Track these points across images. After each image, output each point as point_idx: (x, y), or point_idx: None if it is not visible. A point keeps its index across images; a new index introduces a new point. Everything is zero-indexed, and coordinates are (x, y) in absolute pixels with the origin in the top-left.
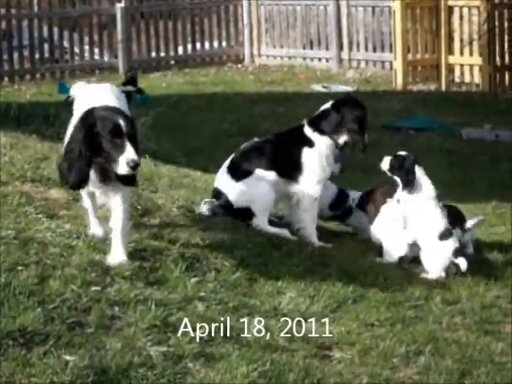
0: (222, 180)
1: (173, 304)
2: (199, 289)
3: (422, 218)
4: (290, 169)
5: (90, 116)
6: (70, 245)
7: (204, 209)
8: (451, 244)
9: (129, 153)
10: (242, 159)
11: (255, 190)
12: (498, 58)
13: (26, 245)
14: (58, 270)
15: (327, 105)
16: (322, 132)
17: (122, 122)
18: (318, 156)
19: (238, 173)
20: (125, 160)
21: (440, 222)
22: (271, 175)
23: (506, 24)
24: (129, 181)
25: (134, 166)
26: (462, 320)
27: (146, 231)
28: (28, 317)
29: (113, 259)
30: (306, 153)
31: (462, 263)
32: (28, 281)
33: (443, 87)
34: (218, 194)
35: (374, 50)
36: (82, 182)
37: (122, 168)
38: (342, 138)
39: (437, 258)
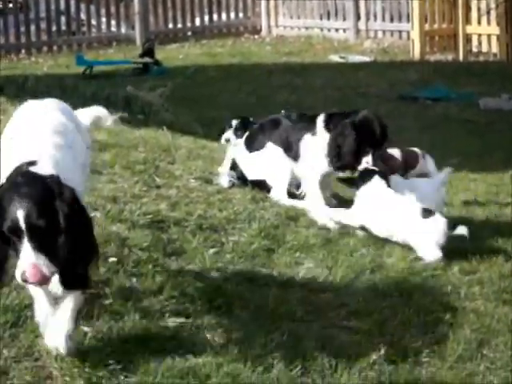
0: (239, 151)
1: (191, 275)
2: (217, 260)
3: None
4: (294, 151)
5: None
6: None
7: (222, 180)
8: (438, 219)
9: (23, 260)
10: (257, 132)
11: (268, 163)
12: None
13: None
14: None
15: (347, 120)
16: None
17: (21, 214)
18: (320, 148)
19: (252, 145)
20: (19, 269)
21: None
22: (280, 151)
23: None
24: (73, 284)
25: (29, 280)
26: (480, 290)
27: (163, 202)
28: None
29: (49, 340)
30: (310, 141)
31: (463, 230)
32: None
33: (461, 57)
34: (234, 164)
35: (392, 19)
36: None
37: (17, 277)
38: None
39: (428, 237)
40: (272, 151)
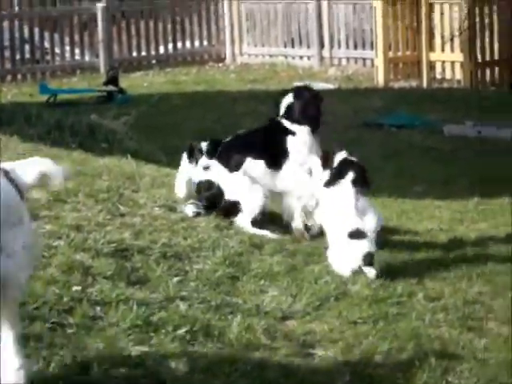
0: (215, 171)
1: (155, 303)
2: (181, 288)
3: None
4: (276, 157)
5: None
6: (52, 245)
7: (187, 209)
8: (363, 246)
9: None
10: (232, 149)
11: (248, 186)
12: (479, 55)
13: None
14: (39, 271)
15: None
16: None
17: None
18: (301, 144)
19: (231, 163)
20: None
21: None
22: (260, 164)
23: (486, 20)
24: None
25: None
26: (444, 316)
27: (127, 231)
28: None
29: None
30: (291, 141)
31: (371, 273)
32: None
33: (425, 84)
34: (199, 189)
35: (356, 47)
36: None
37: None
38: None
39: (345, 258)
40: (251, 172)
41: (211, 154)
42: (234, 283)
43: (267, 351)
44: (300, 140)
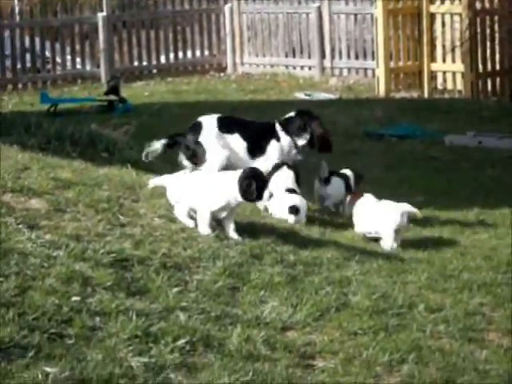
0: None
1: (154, 314)
2: (181, 299)
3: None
4: (256, 148)
5: None
6: (51, 255)
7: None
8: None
9: None
10: (231, 124)
11: (220, 147)
12: (480, 65)
13: (6, 255)
14: (38, 281)
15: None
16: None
17: None
18: (278, 149)
19: (223, 130)
20: None
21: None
22: (242, 145)
23: (487, 30)
24: None
25: None
26: (445, 328)
27: (127, 241)
28: (8, 329)
29: None
30: (272, 143)
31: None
32: (8, 292)
33: (426, 94)
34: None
35: (357, 57)
36: None
37: None
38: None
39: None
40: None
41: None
42: (234, 294)
43: (267, 362)
44: (279, 146)
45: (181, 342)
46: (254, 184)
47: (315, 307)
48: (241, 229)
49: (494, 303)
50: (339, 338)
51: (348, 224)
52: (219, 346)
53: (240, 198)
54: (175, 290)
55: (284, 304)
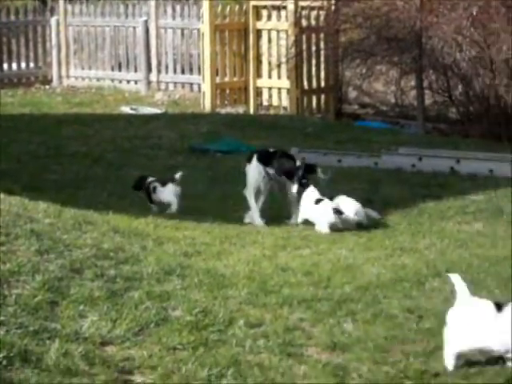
0: None
1: None
2: None
3: None
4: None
5: None
6: None
7: None
8: None
9: None
10: None
11: None
12: (305, 82)
13: None
14: None
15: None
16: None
17: None
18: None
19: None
20: None
21: None
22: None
23: (313, 48)
24: None
25: None
26: (264, 343)
27: None
28: None
29: None
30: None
31: None
32: None
33: (251, 110)
34: None
35: (183, 72)
36: None
37: None
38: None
39: None
40: None
41: None
42: (53, 308)
43: (85, 377)
44: (249, 167)
45: None
46: None
47: (135, 322)
48: (63, 244)
49: (314, 318)
50: (158, 353)
51: (170, 238)
52: (37, 361)
53: None
54: None
55: (103, 319)
